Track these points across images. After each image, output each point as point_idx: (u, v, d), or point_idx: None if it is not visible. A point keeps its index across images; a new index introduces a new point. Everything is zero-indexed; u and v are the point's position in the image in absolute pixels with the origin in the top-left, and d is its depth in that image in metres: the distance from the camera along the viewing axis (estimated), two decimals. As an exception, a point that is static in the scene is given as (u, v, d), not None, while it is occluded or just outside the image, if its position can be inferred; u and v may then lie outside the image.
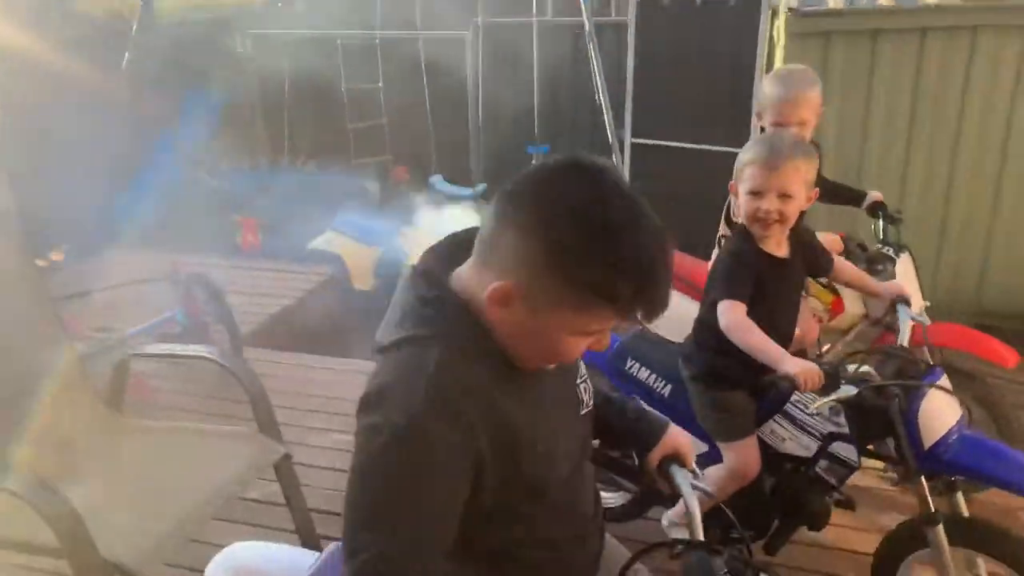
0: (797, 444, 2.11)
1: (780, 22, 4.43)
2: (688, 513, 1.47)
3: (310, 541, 2.47)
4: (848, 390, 1.88)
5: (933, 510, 1.97)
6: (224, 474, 2.20)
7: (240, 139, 7.20)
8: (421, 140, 7.11)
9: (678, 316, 3.08)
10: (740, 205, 2.09)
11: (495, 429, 1.06)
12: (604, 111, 6.56)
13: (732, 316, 1.98)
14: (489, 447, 1.05)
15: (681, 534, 2.28)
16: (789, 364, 1.88)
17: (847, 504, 2.19)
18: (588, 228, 1.00)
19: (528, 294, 1.03)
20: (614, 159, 6.48)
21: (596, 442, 2.64)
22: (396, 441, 1.00)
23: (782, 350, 1.94)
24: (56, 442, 2.32)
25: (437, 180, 6.87)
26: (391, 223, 6.01)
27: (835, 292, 2.93)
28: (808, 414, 2.10)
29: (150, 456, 2.32)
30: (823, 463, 2.08)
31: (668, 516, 2.32)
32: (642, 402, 1.81)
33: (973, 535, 1.98)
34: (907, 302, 2.22)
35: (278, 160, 7.41)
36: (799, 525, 2.19)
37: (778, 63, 5.24)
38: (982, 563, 2.06)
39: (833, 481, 2.09)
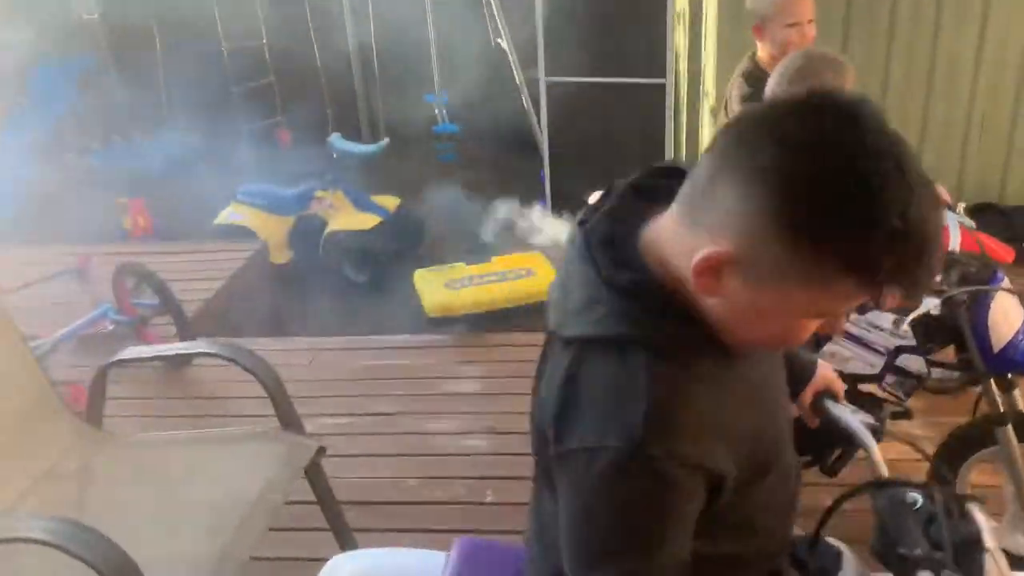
0: (862, 362, 2.07)
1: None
2: (868, 449, 1.39)
3: (348, 539, 2.26)
4: (931, 302, 1.85)
5: (1003, 410, 1.99)
6: (261, 480, 1.94)
7: (110, 111, 6.53)
8: (314, 98, 6.68)
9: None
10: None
11: (724, 430, 0.91)
12: (508, 51, 6.38)
13: None
14: (724, 452, 0.90)
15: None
16: None
17: (905, 415, 2.19)
18: (843, 179, 0.77)
19: (751, 264, 0.81)
20: (523, 101, 6.34)
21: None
22: (619, 469, 0.85)
23: None
24: (43, 474, 1.98)
25: (335, 139, 6.46)
26: (302, 188, 5.61)
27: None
28: (869, 330, 2.06)
29: (167, 474, 2.03)
30: (890, 378, 2.06)
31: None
32: None
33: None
34: (950, 207, 2.21)
35: (155, 131, 6.77)
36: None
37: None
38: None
39: (900, 395, 2.08)
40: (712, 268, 0.83)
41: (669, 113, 5.32)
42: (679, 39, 5.26)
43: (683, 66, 5.40)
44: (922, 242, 0.78)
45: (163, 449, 2.15)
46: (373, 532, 2.46)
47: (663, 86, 5.29)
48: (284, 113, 6.70)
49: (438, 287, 3.94)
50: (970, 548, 1.16)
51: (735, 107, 2.73)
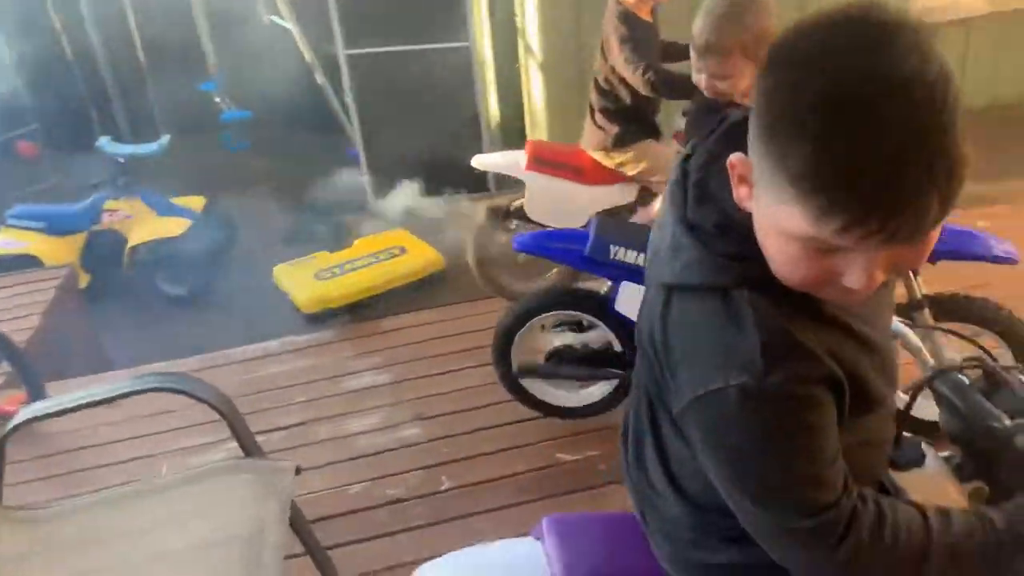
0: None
1: None
2: (913, 347, 1.48)
3: (324, 560, 2.06)
4: None
5: (920, 295, 2.21)
6: (246, 513, 1.71)
7: None
8: (71, 100, 5.87)
9: (567, 201, 3.06)
10: None
11: (830, 355, 0.90)
12: (290, 28, 6.02)
13: None
14: (839, 368, 0.90)
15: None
16: None
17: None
18: (810, 90, 0.71)
19: (756, 178, 0.80)
20: (317, 78, 6.03)
21: (577, 340, 2.53)
22: (750, 403, 0.84)
23: None
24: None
25: (105, 143, 5.74)
26: (89, 201, 4.95)
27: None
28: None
29: (122, 537, 1.71)
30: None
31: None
32: None
33: (955, 308, 2.27)
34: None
35: None
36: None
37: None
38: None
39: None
40: (736, 175, 0.84)
41: (478, 74, 5.31)
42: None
43: (484, 26, 5.39)
44: (886, 180, 0.70)
45: (99, 512, 1.80)
46: (343, 547, 2.27)
47: (467, 48, 5.26)
48: (40, 120, 5.82)
49: (307, 280, 3.65)
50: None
51: (615, 47, 2.79)
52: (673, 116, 3.12)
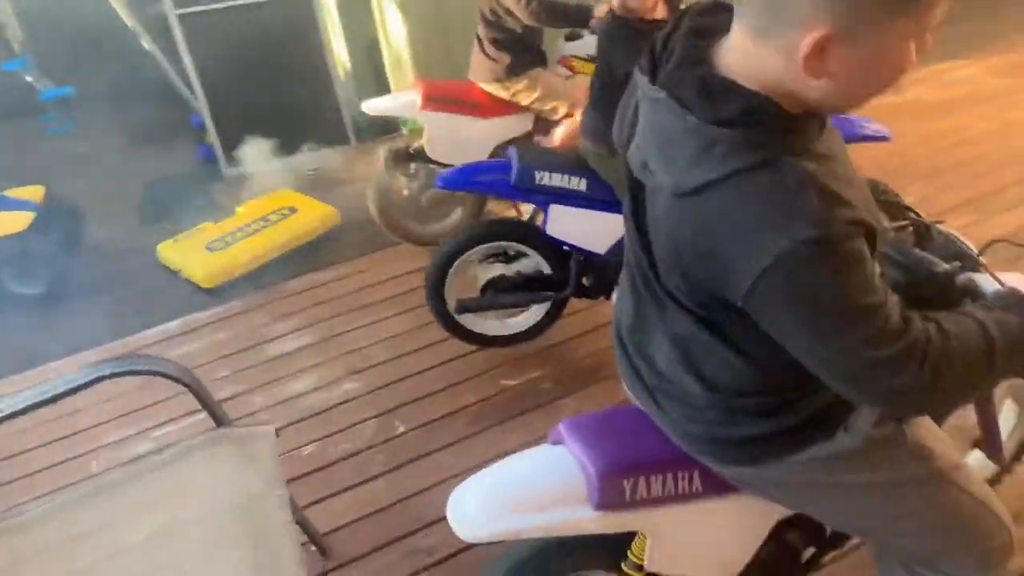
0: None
1: None
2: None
3: (303, 518, 2.07)
4: None
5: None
6: (232, 484, 1.69)
7: None
8: None
9: (467, 137, 3.07)
10: None
11: (854, 192, 1.00)
12: (106, -9, 5.51)
13: None
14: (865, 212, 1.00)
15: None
16: None
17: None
18: None
19: (851, 30, 0.90)
20: (145, 45, 5.60)
21: (508, 270, 2.59)
22: (824, 250, 0.92)
23: None
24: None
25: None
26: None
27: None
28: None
29: (131, 527, 1.63)
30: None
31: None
32: None
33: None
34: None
35: None
36: None
37: None
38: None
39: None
40: (818, 51, 0.91)
41: (322, 22, 5.11)
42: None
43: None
44: None
45: (80, 508, 1.70)
46: (311, 507, 2.26)
47: (306, -8, 5.05)
48: None
49: (199, 254, 3.45)
50: (966, 257, 1.48)
51: None
52: (556, 42, 3.19)
